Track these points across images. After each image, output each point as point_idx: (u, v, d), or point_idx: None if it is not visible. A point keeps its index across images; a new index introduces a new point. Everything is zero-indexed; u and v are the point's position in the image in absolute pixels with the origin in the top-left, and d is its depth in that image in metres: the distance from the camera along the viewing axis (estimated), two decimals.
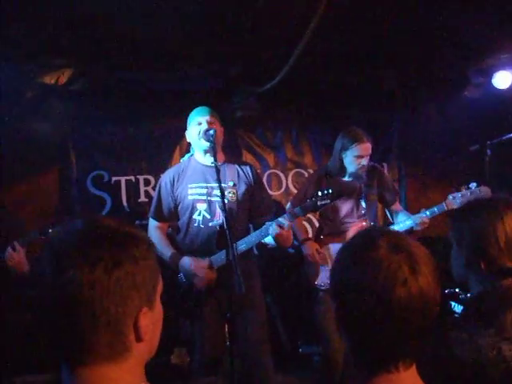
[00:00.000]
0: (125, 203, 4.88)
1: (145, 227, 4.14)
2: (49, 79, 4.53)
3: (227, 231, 2.65)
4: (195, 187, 3.20)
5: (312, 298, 3.78)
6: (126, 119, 4.89)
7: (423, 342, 1.13)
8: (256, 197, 3.29)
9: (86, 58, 4.32)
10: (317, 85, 4.93)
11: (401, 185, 5.48)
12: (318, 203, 3.07)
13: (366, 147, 3.64)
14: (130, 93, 4.73)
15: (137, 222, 4.55)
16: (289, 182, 5.24)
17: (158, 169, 4.92)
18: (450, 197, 3.59)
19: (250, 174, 3.31)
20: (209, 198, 3.15)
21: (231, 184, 3.17)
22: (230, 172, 3.21)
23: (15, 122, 4.66)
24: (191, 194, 3.19)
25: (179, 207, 3.25)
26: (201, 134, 3.15)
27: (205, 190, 3.18)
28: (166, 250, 3.21)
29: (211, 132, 3.06)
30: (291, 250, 4.47)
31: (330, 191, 3.07)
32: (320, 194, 3.08)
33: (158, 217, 3.32)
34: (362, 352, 1.16)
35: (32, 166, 4.76)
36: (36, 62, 4.28)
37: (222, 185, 2.89)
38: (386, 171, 4.90)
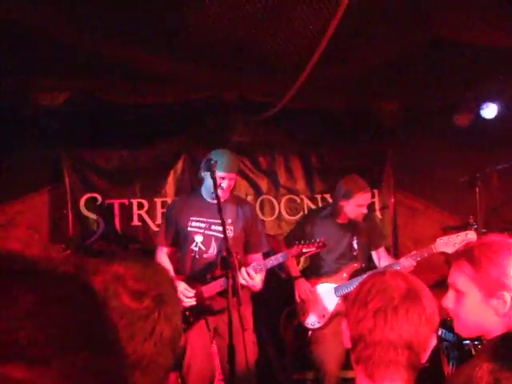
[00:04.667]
0: (118, 226, 4.86)
1: (137, 252, 4.15)
2: (45, 99, 4.52)
3: (230, 263, 2.77)
4: (196, 220, 3.43)
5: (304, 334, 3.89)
6: (121, 143, 4.89)
7: None
8: (251, 235, 3.53)
9: (82, 81, 4.33)
10: (311, 113, 5.00)
11: (392, 211, 5.56)
12: (304, 250, 3.31)
13: (368, 197, 3.82)
14: (125, 117, 4.74)
15: (130, 245, 4.51)
16: (281, 208, 5.26)
17: (152, 192, 4.95)
18: (439, 240, 3.61)
19: (249, 213, 3.56)
20: (206, 232, 3.40)
21: (229, 221, 3.39)
22: (231, 210, 3.43)
23: (9, 140, 4.64)
24: (191, 226, 3.41)
25: (179, 236, 3.47)
26: (219, 188, 3.29)
27: (203, 225, 3.41)
28: None
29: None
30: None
31: (318, 240, 3.34)
32: (306, 242, 3.36)
33: (165, 241, 3.53)
34: None
35: (25, 186, 4.73)
36: (33, 81, 4.28)
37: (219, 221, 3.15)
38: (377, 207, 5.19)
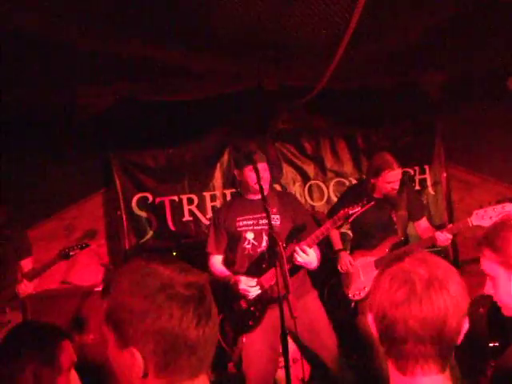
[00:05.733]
0: (170, 223, 4.95)
1: (189, 246, 4.22)
2: (91, 105, 4.64)
3: (276, 251, 2.82)
4: (243, 219, 3.50)
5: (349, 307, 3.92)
6: (166, 141, 4.97)
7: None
8: (298, 221, 3.52)
9: (124, 85, 4.42)
10: (354, 93, 4.90)
11: (446, 186, 5.39)
12: (350, 212, 3.25)
13: (396, 174, 3.76)
14: (169, 115, 4.80)
15: (182, 240, 4.60)
16: (330, 192, 5.21)
17: (200, 187, 5.02)
18: (475, 214, 3.47)
19: (292, 201, 3.65)
20: (255, 228, 3.46)
21: (274, 210, 3.46)
22: (273, 201, 3.50)
23: (60, 148, 4.81)
24: (240, 226, 3.49)
25: (232, 240, 3.55)
26: (253, 182, 3.39)
27: (251, 222, 3.48)
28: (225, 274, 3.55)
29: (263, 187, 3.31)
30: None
31: (360, 200, 3.30)
32: (350, 204, 3.30)
33: (216, 249, 3.60)
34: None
35: (79, 191, 4.89)
36: (78, 89, 4.40)
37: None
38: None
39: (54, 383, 1.77)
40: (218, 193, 5.00)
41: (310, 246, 3.27)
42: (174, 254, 4.49)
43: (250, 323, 3.33)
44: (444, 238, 3.54)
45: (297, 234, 3.48)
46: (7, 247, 3.76)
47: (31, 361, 1.73)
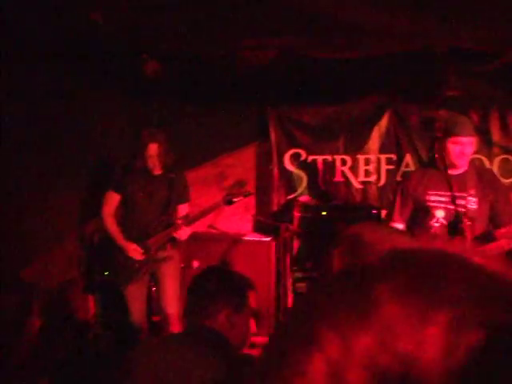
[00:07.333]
0: (321, 182, 4.92)
1: (338, 207, 4.13)
2: (252, 58, 4.66)
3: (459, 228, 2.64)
4: (435, 194, 3.20)
5: None
6: (326, 98, 4.87)
7: None
8: (498, 207, 3.20)
9: (288, 39, 4.38)
10: None
11: None
12: None
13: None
14: (331, 73, 4.70)
15: (332, 201, 4.57)
16: (494, 169, 4.81)
17: (355, 149, 4.90)
18: None
19: (492, 180, 3.30)
20: (448, 206, 3.14)
21: (472, 192, 3.14)
22: (471, 180, 3.18)
23: (222, 97, 4.90)
24: (430, 201, 3.19)
25: (416, 211, 3.27)
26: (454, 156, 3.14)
27: (443, 198, 3.17)
28: None
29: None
30: None
31: None
32: None
33: (400, 218, 3.31)
34: None
35: (235, 141, 5.02)
36: (241, 42, 4.43)
37: (462, 194, 3.03)
38: None
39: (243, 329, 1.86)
40: (372, 157, 4.85)
41: None
42: (324, 213, 4.48)
43: None
44: None
45: (494, 222, 3.19)
46: (171, 190, 3.94)
47: (226, 306, 1.81)
